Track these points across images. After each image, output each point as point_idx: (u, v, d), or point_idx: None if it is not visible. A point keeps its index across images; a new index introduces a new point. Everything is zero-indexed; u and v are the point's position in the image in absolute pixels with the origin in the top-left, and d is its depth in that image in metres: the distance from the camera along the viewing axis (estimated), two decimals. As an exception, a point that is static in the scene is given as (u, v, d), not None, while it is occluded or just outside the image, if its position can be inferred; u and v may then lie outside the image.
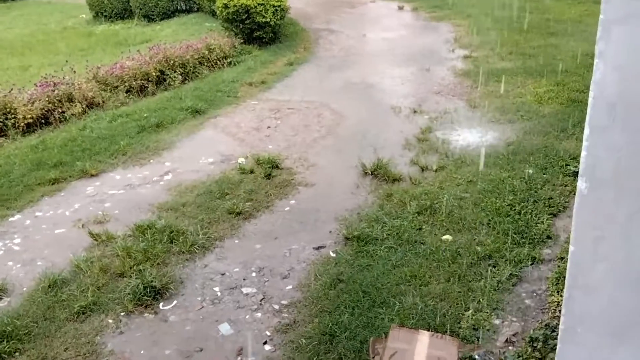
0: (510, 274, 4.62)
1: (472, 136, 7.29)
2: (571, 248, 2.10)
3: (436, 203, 5.66)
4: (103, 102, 9.03)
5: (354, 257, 4.96)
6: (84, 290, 4.70)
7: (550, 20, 12.82)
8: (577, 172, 2.02)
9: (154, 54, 10.17)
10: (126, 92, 9.42)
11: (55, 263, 5.12)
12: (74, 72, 9.32)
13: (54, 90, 8.61)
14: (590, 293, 2.10)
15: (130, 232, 5.49)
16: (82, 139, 7.72)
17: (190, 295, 4.69)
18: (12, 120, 8.08)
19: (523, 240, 5.04)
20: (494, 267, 4.73)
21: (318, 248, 5.21)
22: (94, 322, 4.39)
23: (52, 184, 6.60)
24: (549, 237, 5.10)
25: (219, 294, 4.69)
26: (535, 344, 3.83)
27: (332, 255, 5.07)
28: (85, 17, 16.94)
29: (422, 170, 6.45)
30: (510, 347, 3.96)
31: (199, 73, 10.41)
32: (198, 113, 8.58)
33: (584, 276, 2.10)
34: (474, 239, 5.08)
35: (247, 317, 4.42)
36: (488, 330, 4.11)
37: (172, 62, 10.11)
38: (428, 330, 3.99)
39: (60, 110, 8.49)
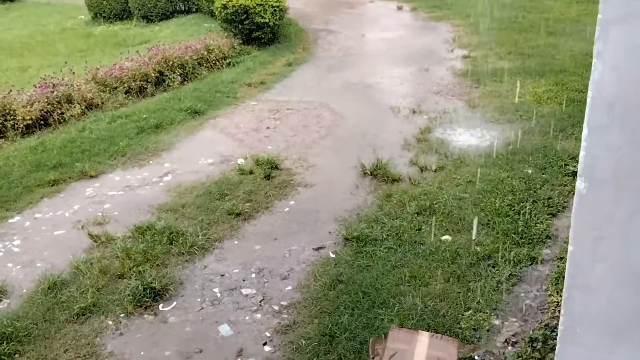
0: (510, 274, 4.62)
1: (471, 136, 7.29)
2: (570, 248, 2.10)
3: (435, 203, 5.66)
4: (102, 103, 9.03)
5: (354, 258, 4.96)
6: (83, 291, 4.70)
7: (549, 20, 12.82)
8: (576, 171, 2.02)
9: (153, 55, 10.17)
10: (125, 93, 9.42)
11: (55, 264, 5.12)
12: (73, 73, 9.32)
13: (53, 92, 8.61)
14: (589, 293, 2.10)
15: (130, 234, 5.49)
16: (82, 140, 7.72)
17: (189, 296, 4.69)
18: (11, 122, 8.08)
19: (522, 240, 5.04)
20: (494, 267, 4.73)
21: (317, 249, 5.20)
22: (94, 324, 4.39)
23: (52, 186, 6.60)
24: (548, 237, 5.10)
25: (218, 295, 4.69)
26: (534, 344, 3.84)
27: (332, 256, 5.07)
28: (84, 18, 16.94)
29: (422, 170, 6.45)
30: (509, 348, 3.96)
31: (198, 74, 10.41)
32: (197, 114, 8.58)
33: (583, 276, 2.10)
34: (473, 239, 5.08)
35: (247, 318, 4.42)
36: (487, 330, 4.11)
37: (171, 63, 10.11)
38: (428, 331, 3.99)
39: (59, 112, 8.49)
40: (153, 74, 9.74)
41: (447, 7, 15.07)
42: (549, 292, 4.43)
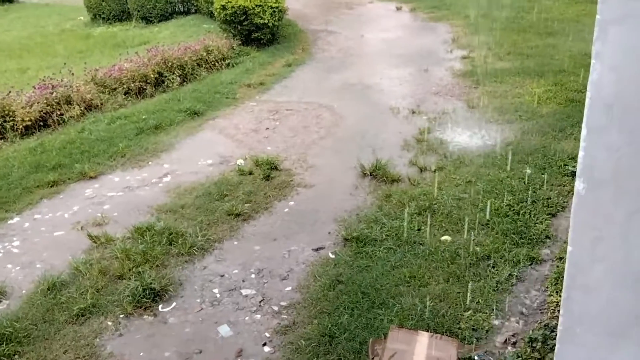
0: (509, 275, 4.63)
1: (470, 137, 7.30)
2: (569, 248, 2.10)
3: (435, 204, 5.66)
4: (101, 104, 9.03)
5: (353, 258, 4.96)
6: (83, 292, 4.70)
7: (548, 20, 12.82)
8: (576, 172, 2.02)
9: (152, 56, 10.17)
10: (124, 94, 9.42)
11: (54, 265, 5.12)
12: (72, 74, 9.31)
13: (52, 93, 8.61)
14: (588, 293, 2.10)
15: (129, 234, 5.49)
16: (81, 142, 7.72)
17: (189, 297, 4.69)
18: (11, 123, 8.08)
19: (522, 240, 5.04)
20: (493, 267, 4.73)
21: (317, 249, 5.21)
22: (93, 325, 4.39)
23: (51, 187, 6.60)
24: (547, 237, 5.11)
25: (218, 295, 4.69)
26: (534, 344, 3.84)
27: (331, 256, 5.07)
28: (83, 19, 16.93)
29: (421, 171, 6.45)
30: (509, 348, 3.96)
31: (197, 75, 10.41)
32: (196, 115, 8.58)
33: (582, 276, 2.10)
34: (473, 240, 5.08)
35: (247, 318, 4.42)
36: (487, 330, 4.11)
37: (170, 64, 10.10)
38: (427, 331, 3.99)
39: (58, 113, 8.49)
40: (152, 75, 9.74)
41: (446, 8, 15.07)
42: (549, 292, 4.44)
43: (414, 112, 8.23)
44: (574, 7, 14.00)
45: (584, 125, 1.93)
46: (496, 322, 4.19)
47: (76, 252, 5.30)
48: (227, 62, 11.08)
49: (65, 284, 4.83)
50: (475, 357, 3.88)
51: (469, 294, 4.41)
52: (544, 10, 13.83)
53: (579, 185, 1.99)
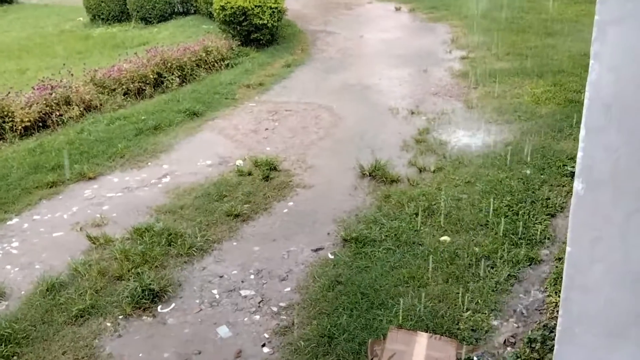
0: (508, 275, 4.63)
1: (469, 137, 7.30)
2: (568, 249, 2.10)
3: (434, 204, 5.66)
4: (101, 105, 9.03)
5: (352, 259, 4.96)
6: (82, 293, 4.69)
7: (547, 21, 12.83)
8: (575, 172, 2.02)
9: (152, 57, 10.17)
10: (124, 94, 9.41)
11: (53, 266, 5.12)
12: (72, 75, 9.31)
13: (51, 94, 8.60)
14: (587, 294, 2.10)
15: (129, 235, 5.49)
16: (80, 142, 7.71)
17: (188, 298, 4.69)
18: (10, 124, 8.08)
19: (521, 241, 5.04)
20: (492, 268, 4.73)
21: (316, 250, 5.20)
22: (92, 326, 4.39)
23: (50, 187, 6.59)
24: (546, 238, 5.11)
25: (217, 296, 4.69)
26: (533, 345, 3.84)
27: (331, 257, 5.07)
28: (83, 20, 16.93)
29: (420, 171, 6.45)
30: (508, 348, 3.96)
31: (196, 75, 10.41)
32: (196, 115, 8.58)
33: (581, 277, 2.10)
34: (472, 240, 5.08)
35: (246, 319, 4.42)
36: (486, 331, 4.11)
37: (169, 64, 10.10)
38: (426, 332, 3.99)
39: (57, 114, 8.48)
40: (151, 76, 9.74)
41: (445, 8, 15.07)
42: (548, 293, 4.44)
43: (413, 113, 8.23)
44: (573, 8, 14.01)
45: (582, 125, 1.94)
46: (495, 323, 4.19)
47: (75, 253, 5.29)
48: (226, 62, 11.08)
49: (64, 285, 4.82)
50: (475, 358, 3.88)
51: (468, 294, 4.41)
52: (543, 11, 13.84)
53: (577, 185, 1.99)
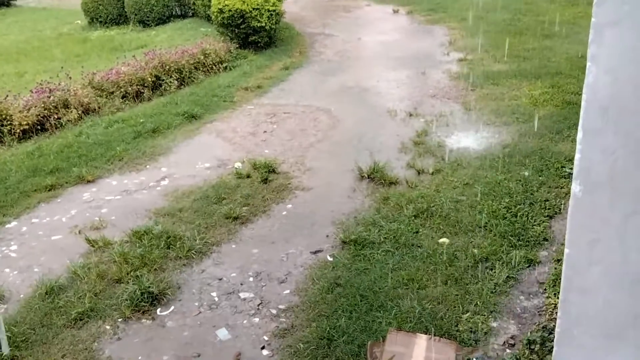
0: (507, 277, 4.63)
1: (467, 139, 7.31)
2: (566, 251, 2.11)
3: (433, 206, 5.67)
4: (99, 108, 9.03)
5: (351, 261, 4.96)
6: (81, 296, 4.69)
7: (545, 23, 12.86)
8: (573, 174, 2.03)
9: (150, 60, 10.17)
10: (122, 97, 9.41)
11: (52, 269, 5.11)
12: (70, 78, 9.32)
13: (49, 97, 8.60)
14: (585, 295, 2.11)
15: (127, 238, 5.48)
16: (78, 145, 7.71)
17: (187, 300, 4.69)
18: (8, 127, 8.07)
19: (519, 242, 5.05)
20: (491, 269, 4.74)
21: (315, 252, 5.21)
22: (92, 329, 4.39)
23: (49, 191, 6.59)
24: (545, 239, 5.11)
25: (216, 299, 4.69)
26: (532, 347, 3.84)
27: (329, 259, 5.07)
28: (81, 23, 16.94)
29: (419, 173, 6.46)
30: (507, 350, 3.96)
31: (194, 78, 10.42)
32: (194, 118, 8.59)
33: (579, 278, 2.11)
34: (471, 242, 5.09)
35: (245, 322, 4.42)
36: (485, 333, 4.11)
37: (167, 67, 10.11)
38: (426, 334, 4.00)
39: (56, 117, 8.48)
40: (150, 79, 9.75)
41: (443, 11, 15.11)
42: (547, 294, 4.44)
43: (411, 115, 8.25)
44: (571, 10, 14.05)
45: (580, 127, 1.94)
46: (494, 325, 4.20)
47: (74, 256, 5.29)
48: (224, 65, 11.09)
49: (63, 288, 4.82)
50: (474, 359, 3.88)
51: (467, 296, 4.42)
52: (540, 13, 13.88)
53: (575, 187, 2.00)
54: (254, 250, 5.30)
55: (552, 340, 2.94)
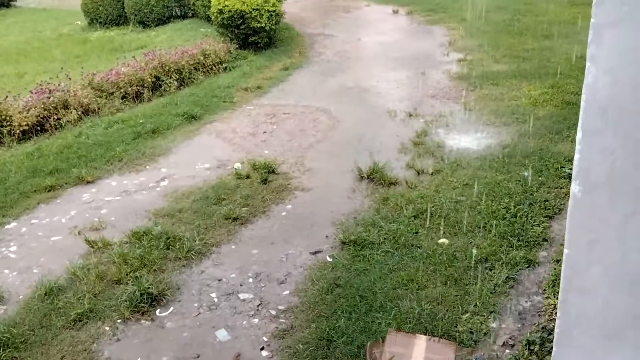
0: (507, 277, 4.63)
1: (467, 139, 7.31)
2: (565, 251, 2.11)
3: (432, 207, 5.67)
4: (99, 108, 9.03)
5: (351, 262, 4.96)
6: (80, 297, 4.69)
7: (544, 23, 12.87)
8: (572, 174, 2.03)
9: (149, 60, 10.18)
10: (122, 98, 9.42)
11: (52, 270, 5.11)
12: (70, 78, 9.32)
13: (49, 97, 8.61)
14: (585, 295, 2.11)
15: (127, 239, 5.48)
16: (78, 146, 7.71)
17: (187, 301, 4.68)
18: (8, 128, 8.08)
19: (519, 243, 5.05)
20: (491, 270, 4.73)
21: (315, 253, 5.20)
22: (91, 330, 4.38)
23: (48, 191, 6.59)
24: (545, 240, 5.11)
25: (215, 300, 4.69)
26: (532, 347, 3.84)
27: (329, 260, 5.07)
28: (81, 24, 16.95)
29: (418, 173, 6.45)
30: (507, 350, 3.96)
31: (194, 79, 10.42)
32: (194, 119, 8.59)
33: (578, 279, 2.11)
34: (471, 242, 5.09)
35: (244, 322, 4.41)
36: (485, 333, 4.11)
37: (167, 68, 10.11)
38: (425, 334, 3.99)
39: (55, 117, 8.48)
40: (149, 79, 9.75)
41: (443, 11, 15.12)
42: (546, 295, 4.44)
43: (411, 115, 8.24)
44: (570, 10, 14.05)
45: (579, 128, 1.94)
46: (494, 325, 4.19)
47: (73, 257, 5.29)
48: (224, 65, 11.10)
49: (63, 289, 4.82)
50: (473, 360, 3.88)
51: (466, 296, 4.41)
52: (540, 13, 13.88)
53: (574, 188, 2.00)
54: (254, 251, 5.30)
55: (552, 341, 2.94)
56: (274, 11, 11.90)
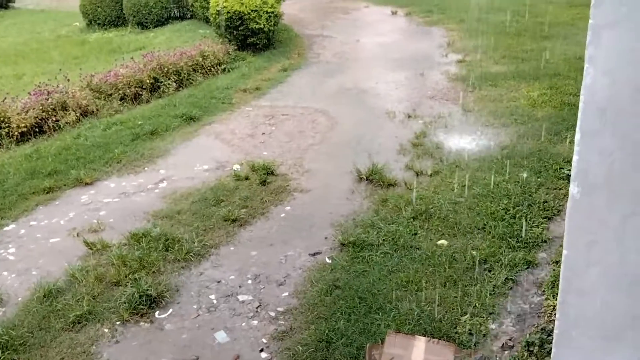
0: (506, 278, 4.63)
1: (466, 140, 7.31)
2: (564, 252, 2.11)
3: (431, 208, 5.67)
4: (97, 110, 9.02)
5: (350, 263, 4.95)
6: (79, 299, 4.68)
7: (543, 24, 12.88)
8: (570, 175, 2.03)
9: (148, 62, 10.17)
10: (120, 99, 9.41)
11: (50, 272, 5.10)
12: (68, 80, 9.31)
13: (47, 99, 8.60)
14: (584, 296, 2.11)
15: (126, 241, 5.47)
16: (77, 148, 7.70)
17: (186, 303, 4.68)
18: (6, 130, 8.07)
19: (518, 244, 5.05)
20: (490, 271, 4.73)
21: (314, 254, 5.20)
22: (90, 332, 4.38)
23: (47, 193, 6.58)
24: (544, 241, 5.11)
25: (214, 301, 4.68)
26: (531, 348, 3.84)
27: (328, 261, 5.07)
28: (79, 25, 16.93)
29: (417, 175, 6.45)
30: (506, 352, 3.96)
31: (193, 80, 10.41)
32: (192, 120, 8.59)
33: (577, 280, 2.11)
34: (470, 244, 5.09)
35: (243, 324, 4.41)
36: (484, 334, 4.11)
37: (166, 69, 10.11)
38: (424, 336, 3.99)
39: (54, 119, 8.47)
40: (148, 81, 9.74)
41: (441, 12, 15.13)
42: (545, 296, 4.44)
43: (409, 116, 8.25)
44: (569, 11, 14.07)
45: (577, 129, 1.94)
46: (493, 326, 4.19)
47: (72, 258, 5.28)
48: (223, 67, 11.09)
49: (61, 291, 4.81)
50: (473, 361, 3.87)
51: (465, 298, 4.41)
52: (538, 14, 13.89)
53: (573, 189, 2.00)
54: (253, 253, 5.29)
55: (551, 342, 2.94)
56: (273, 12, 11.90)
